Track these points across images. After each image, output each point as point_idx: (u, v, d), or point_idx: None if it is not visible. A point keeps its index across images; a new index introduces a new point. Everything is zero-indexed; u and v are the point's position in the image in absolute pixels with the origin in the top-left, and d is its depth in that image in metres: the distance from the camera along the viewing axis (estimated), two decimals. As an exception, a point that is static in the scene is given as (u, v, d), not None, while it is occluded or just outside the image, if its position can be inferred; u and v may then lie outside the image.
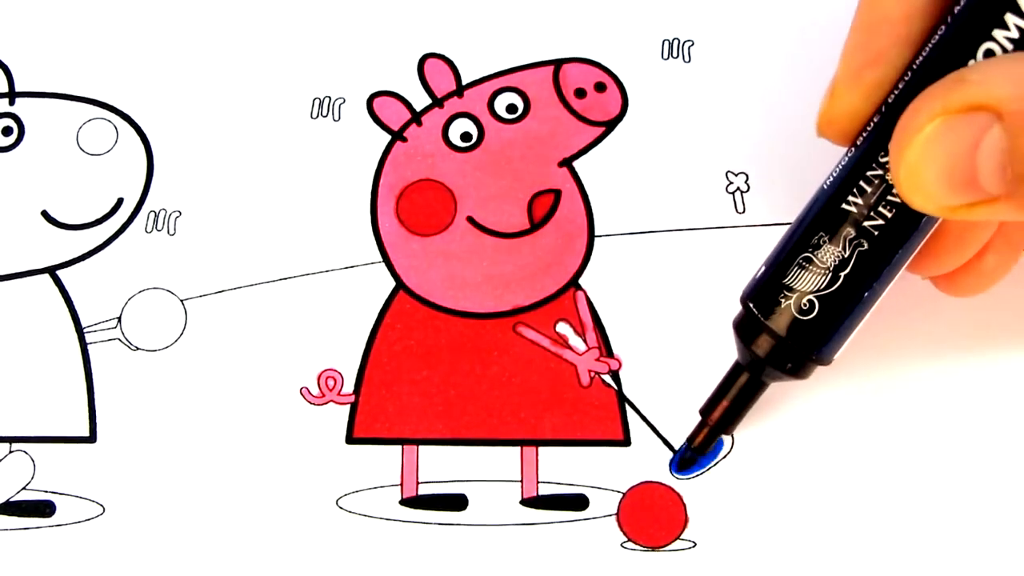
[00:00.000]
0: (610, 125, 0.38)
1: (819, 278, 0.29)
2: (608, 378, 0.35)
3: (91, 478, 0.35)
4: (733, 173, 0.37)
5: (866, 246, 0.29)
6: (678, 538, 0.33)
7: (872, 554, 0.33)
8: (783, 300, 0.30)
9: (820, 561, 0.33)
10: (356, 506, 0.34)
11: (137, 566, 0.34)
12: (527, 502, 0.34)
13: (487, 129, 0.38)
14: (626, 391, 0.35)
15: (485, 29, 0.40)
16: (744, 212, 0.37)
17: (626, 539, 0.33)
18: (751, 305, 0.30)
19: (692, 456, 0.34)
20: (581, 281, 0.37)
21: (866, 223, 0.29)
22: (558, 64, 0.39)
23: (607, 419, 0.35)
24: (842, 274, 0.29)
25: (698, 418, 0.34)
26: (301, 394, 0.35)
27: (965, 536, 0.33)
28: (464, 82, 0.39)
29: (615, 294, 0.36)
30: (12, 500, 0.35)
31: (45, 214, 0.38)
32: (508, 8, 0.40)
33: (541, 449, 0.35)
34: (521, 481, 0.34)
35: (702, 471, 0.34)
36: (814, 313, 0.29)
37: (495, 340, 0.36)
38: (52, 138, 0.39)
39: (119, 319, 0.37)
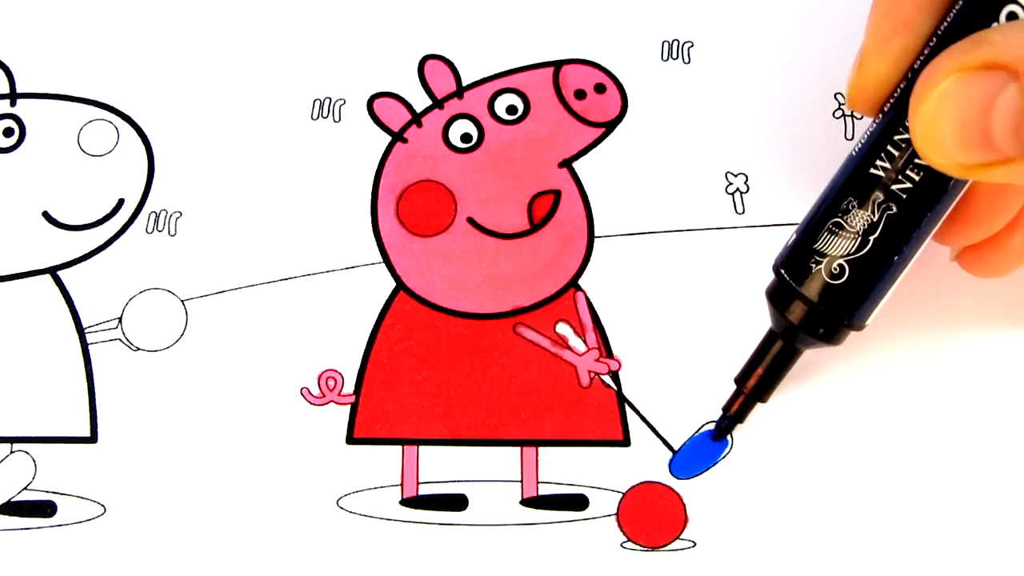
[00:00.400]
0: (610, 126, 0.38)
1: (849, 243, 0.30)
2: (608, 379, 0.35)
3: (92, 478, 0.35)
4: (733, 174, 0.37)
5: (895, 209, 0.29)
6: (678, 538, 0.33)
7: (872, 554, 0.33)
8: (814, 266, 0.30)
9: (820, 561, 0.33)
10: (356, 506, 0.34)
11: (138, 566, 0.34)
12: (527, 502, 0.34)
13: (487, 130, 0.39)
14: (626, 392, 0.35)
15: (485, 30, 0.40)
16: (744, 213, 0.37)
17: (626, 539, 0.33)
18: (783, 272, 0.31)
19: (728, 425, 0.34)
20: (581, 282, 0.37)
21: (894, 187, 0.29)
22: (558, 65, 0.39)
23: (607, 419, 0.35)
24: (871, 238, 0.29)
25: (698, 419, 0.34)
26: (301, 394, 0.36)
27: (966, 535, 0.33)
28: (464, 83, 0.39)
29: (615, 295, 0.36)
30: (13, 500, 0.35)
31: (46, 215, 0.38)
32: (508, 9, 0.40)
33: (541, 449, 0.35)
34: (521, 481, 0.34)
35: (702, 471, 0.34)
36: (845, 277, 0.30)
37: (495, 341, 0.36)
38: (53, 139, 0.39)
39: (120, 319, 0.37)
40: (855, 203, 0.29)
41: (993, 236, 0.32)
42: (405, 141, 0.39)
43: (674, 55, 0.39)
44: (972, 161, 0.26)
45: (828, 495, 0.34)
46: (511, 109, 0.39)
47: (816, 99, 0.38)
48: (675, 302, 0.36)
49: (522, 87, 0.39)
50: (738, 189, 0.37)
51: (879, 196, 0.29)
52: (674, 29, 0.40)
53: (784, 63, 0.39)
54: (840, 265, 0.30)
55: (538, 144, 0.38)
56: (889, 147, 0.29)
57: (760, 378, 0.33)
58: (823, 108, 0.38)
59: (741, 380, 0.34)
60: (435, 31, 0.40)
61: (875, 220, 0.29)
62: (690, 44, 0.39)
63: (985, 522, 0.33)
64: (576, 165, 0.38)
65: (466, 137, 0.38)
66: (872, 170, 0.29)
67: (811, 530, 0.33)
